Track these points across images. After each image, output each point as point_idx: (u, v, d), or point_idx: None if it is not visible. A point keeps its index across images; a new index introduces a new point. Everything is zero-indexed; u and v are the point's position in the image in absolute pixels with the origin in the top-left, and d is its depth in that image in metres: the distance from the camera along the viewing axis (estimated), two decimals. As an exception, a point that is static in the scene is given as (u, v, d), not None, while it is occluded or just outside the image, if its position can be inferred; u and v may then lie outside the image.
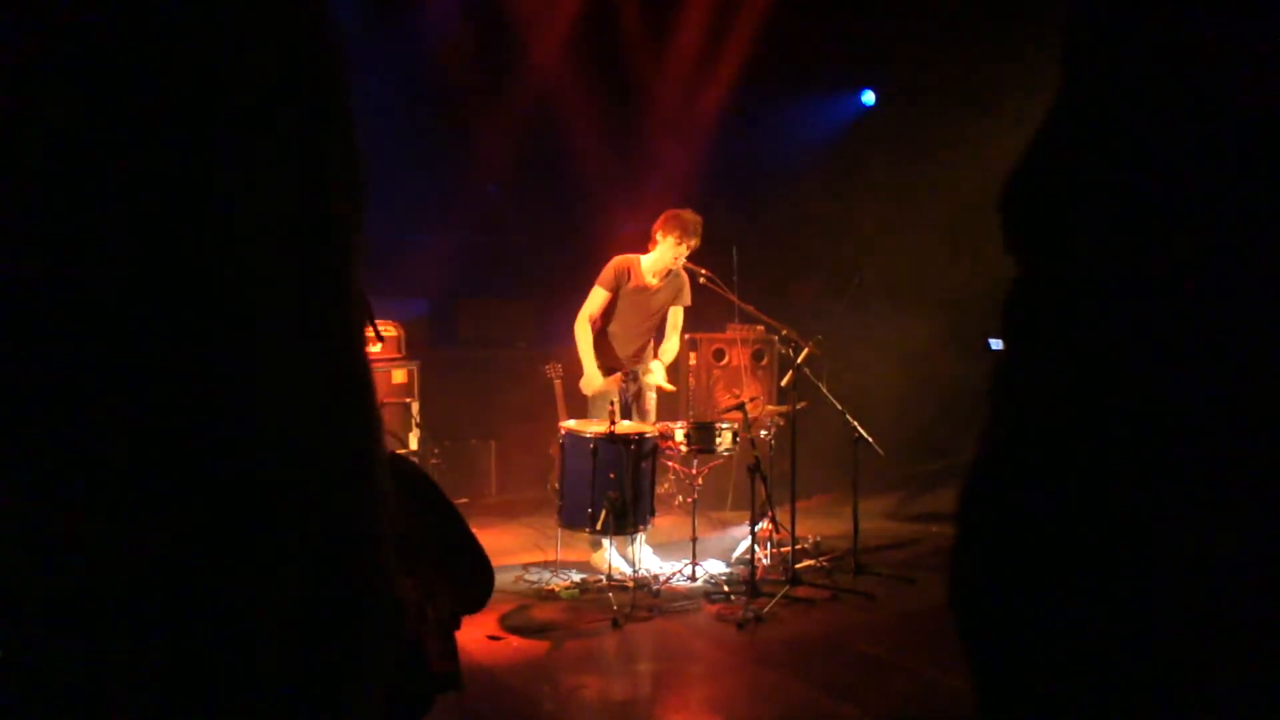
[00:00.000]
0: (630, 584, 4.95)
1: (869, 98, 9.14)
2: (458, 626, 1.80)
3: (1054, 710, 0.78)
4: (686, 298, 5.64)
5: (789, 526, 5.26)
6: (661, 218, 5.46)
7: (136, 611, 0.65)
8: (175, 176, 0.66)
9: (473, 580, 1.88)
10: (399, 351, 6.46)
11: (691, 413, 6.92)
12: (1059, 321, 0.78)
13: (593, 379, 5.43)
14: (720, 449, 5.26)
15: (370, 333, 1.13)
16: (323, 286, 0.75)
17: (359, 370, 0.80)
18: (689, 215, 5.42)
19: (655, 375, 5.57)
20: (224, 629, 0.67)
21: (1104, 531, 0.74)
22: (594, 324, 5.52)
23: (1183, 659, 0.71)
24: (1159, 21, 0.72)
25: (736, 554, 5.59)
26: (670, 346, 5.66)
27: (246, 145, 0.70)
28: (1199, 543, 0.71)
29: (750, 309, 5.55)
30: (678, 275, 5.56)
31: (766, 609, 4.73)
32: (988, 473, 0.84)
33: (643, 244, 5.57)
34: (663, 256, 5.44)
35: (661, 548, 5.67)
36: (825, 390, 5.51)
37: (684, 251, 5.40)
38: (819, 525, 6.24)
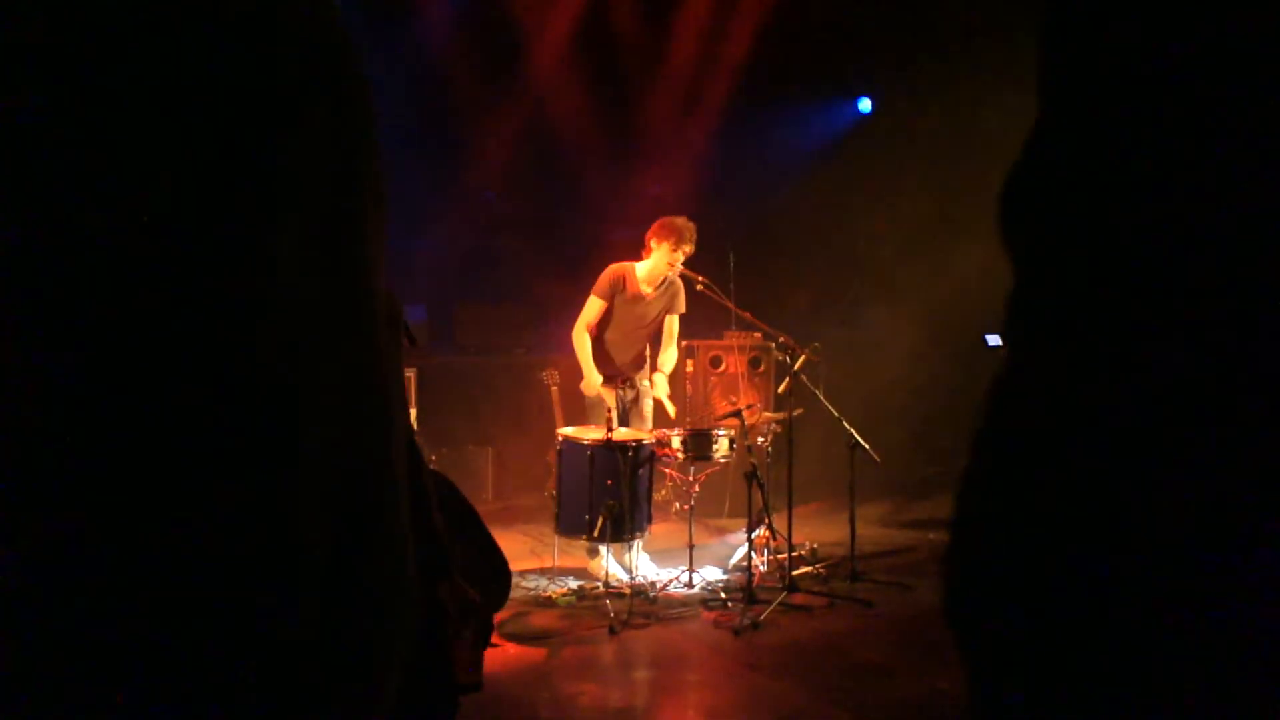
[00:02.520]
0: (627, 591, 4.94)
1: (865, 105, 9.17)
2: (490, 636, 1.81)
3: (1046, 715, 0.78)
4: (681, 305, 5.63)
5: (786, 533, 5.26)
6: (655, 225, 5.44)
7: (148, 601, 0.65)
8: (211, 173, 0.67)
9: (493, 580, 1.89)
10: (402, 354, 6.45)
11: (688, 420, 6.92)
12: (1058, 327, 0.79)
13: (593, 382, 5.42)
14: (717, 456, 5.27)
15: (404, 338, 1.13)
16: (348, 282, 0.76)
17: (381, 368, 0.81)
18: (682, 222, 5.40)
19: (659, 389, 5.55)
20: (241, 622, 0.68)
21: (1103, 539, 0.74)
22: (591, 333, 5.51)
23: (1178, 667, 0.71)
24: (1150, 19, 0.73)
25: (733, 561, 5.58)
26: (669, 356, 5.64)
27: (279, 144, 0.71)
28: (1198, 552, 0.71)
29: (747, 316, 5.55)
30: (673, 283, 5.55)
31: (763, 616, 4.73)
32: (984, 479, 0.84)
33: (639, 250, 5.56)
34: (658, 264, 5.42)
35: (658, 555, 5.67)
36: (822, 397, 5.52)
37: (679, 259, 5.38)
38: (816, 532, 6.24)
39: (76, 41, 0.64)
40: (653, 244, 5.40)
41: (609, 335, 5.56)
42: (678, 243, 5.33)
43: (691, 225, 5.40)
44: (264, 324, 0.69)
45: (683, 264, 5.42)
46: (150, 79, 0.66)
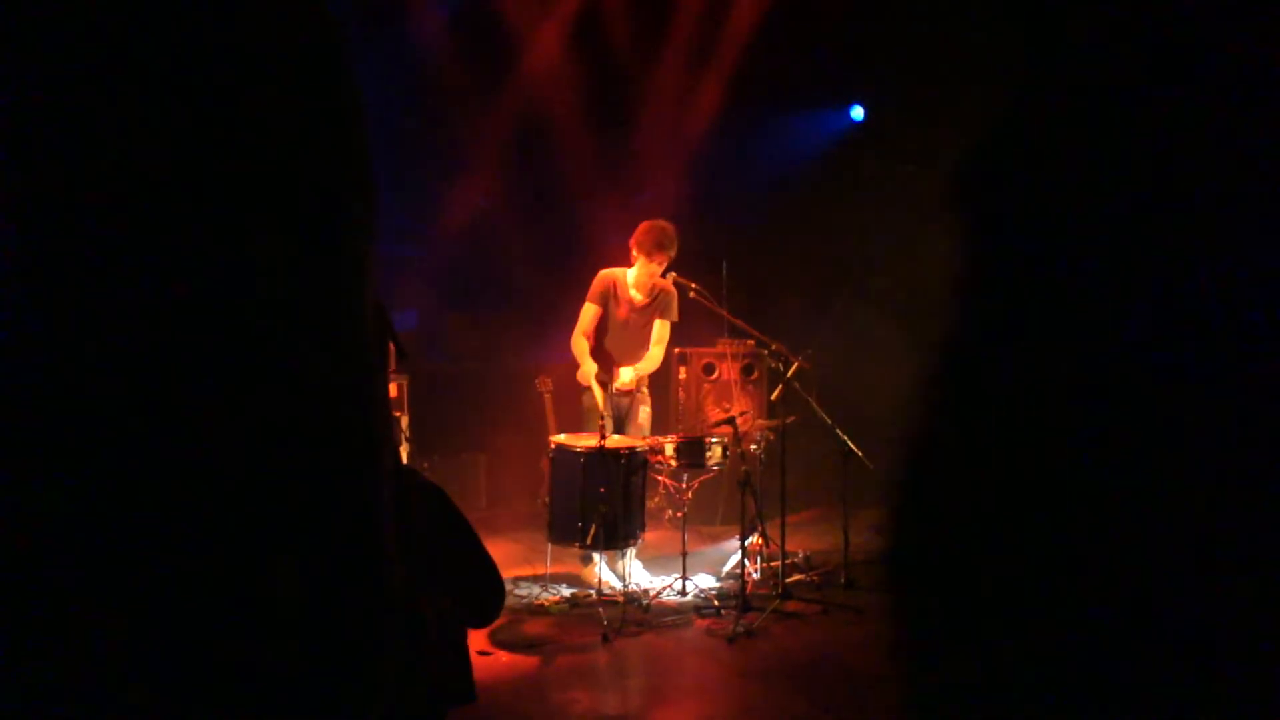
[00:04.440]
0: (620, 599, 4.94)
1: (858, 113, 9.19)
2: (465, 642, 1.80)
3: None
4: (673, 313, 5.61)
5: (779, 541, 5.26)
6: (636, 232, 5.43)
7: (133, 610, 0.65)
8: (190, 181, 0.66)
9: (484, 594, 1.89)
10: (389, 365, 6.42)
11: (681, 427, 6.91)
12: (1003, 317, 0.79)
13: (588, 371, 5.41)
14: (710, 463, 5.26)
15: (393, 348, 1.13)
16: (336, 296, 0.75)
17: (368, 386, 0.81)
18: (660, 226, 5.38)
19: (623, 376, 5.49)
20: (229, 629, 0.67)
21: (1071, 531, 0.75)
22: (589, 340, 5.51)
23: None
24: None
25: (726, 568, 5.58)
26: (651, 356, 5.60)
27: (260, 153, 0.70)
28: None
29: (740, 323, 5.55)
30: (665, 289, 5.55)
31: (756, 623, 4.72)
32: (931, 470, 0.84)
33: (629, 258, 5.55)
34: (643, 272, 5.44)
35: (651, 562, 5.66)
36: (815, 404, 5.52)
37: (658, 266, 5.39)
38: (809, 540, 6.24)
39: (66, 38, 0.64)
40: (634, 251, 5.42)
41: (606, 342, 5.56)
42: (654, 247, 5.33)
43: (669, 228, 5.39)
44: (242, 332, 0.68)
45: (669, 268, 5.42)
46: (133, 75, 0.65)
